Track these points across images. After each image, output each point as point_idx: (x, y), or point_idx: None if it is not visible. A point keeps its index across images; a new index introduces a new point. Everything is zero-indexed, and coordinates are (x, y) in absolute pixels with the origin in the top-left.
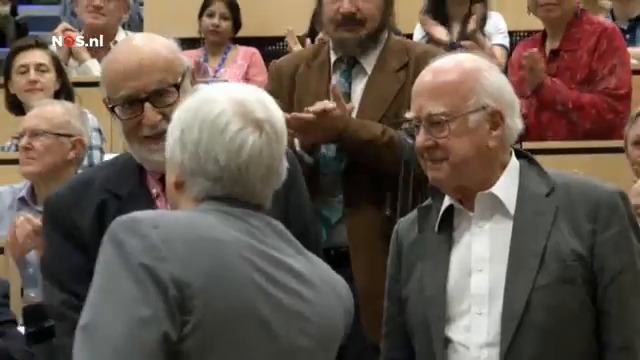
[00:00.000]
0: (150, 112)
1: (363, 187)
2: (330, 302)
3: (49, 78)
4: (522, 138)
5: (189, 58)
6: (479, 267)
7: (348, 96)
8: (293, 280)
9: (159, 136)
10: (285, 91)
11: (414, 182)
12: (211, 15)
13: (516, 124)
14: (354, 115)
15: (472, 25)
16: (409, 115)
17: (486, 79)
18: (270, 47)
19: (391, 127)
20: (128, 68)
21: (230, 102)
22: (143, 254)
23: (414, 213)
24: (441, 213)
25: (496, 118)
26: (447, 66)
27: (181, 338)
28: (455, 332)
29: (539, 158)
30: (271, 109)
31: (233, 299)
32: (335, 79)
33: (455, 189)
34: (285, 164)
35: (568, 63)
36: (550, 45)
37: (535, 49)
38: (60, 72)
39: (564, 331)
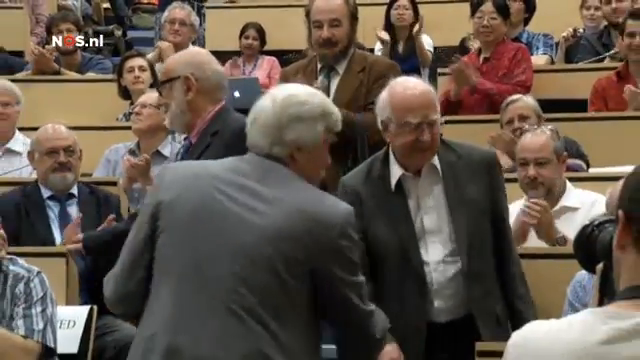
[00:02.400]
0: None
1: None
2: (288, 217)
3: (147, 75)
4: (457, 112)
5: (196, 68)
6: (428, 212)
7: (328, 88)
8: (253, 199)
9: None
10: None
11: (366, 147)
12: (247, 37)
13: None
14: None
15: (417, 28)
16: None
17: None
18: (285, 56)
19: (355, 110)
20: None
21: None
22: (152, 188)
23: (358, 169)
24: (396, 181)
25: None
26: (422, 85)
27: (157, 236)
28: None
29: (472, 126)
30: (285, 89)
31: (190, 210)
32: (320, 79)
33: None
34: (291, 131)
35: (494, 65)
36: (483, 55)
37: (465, 58)
38: (153, 72)
39: (484, 247)
